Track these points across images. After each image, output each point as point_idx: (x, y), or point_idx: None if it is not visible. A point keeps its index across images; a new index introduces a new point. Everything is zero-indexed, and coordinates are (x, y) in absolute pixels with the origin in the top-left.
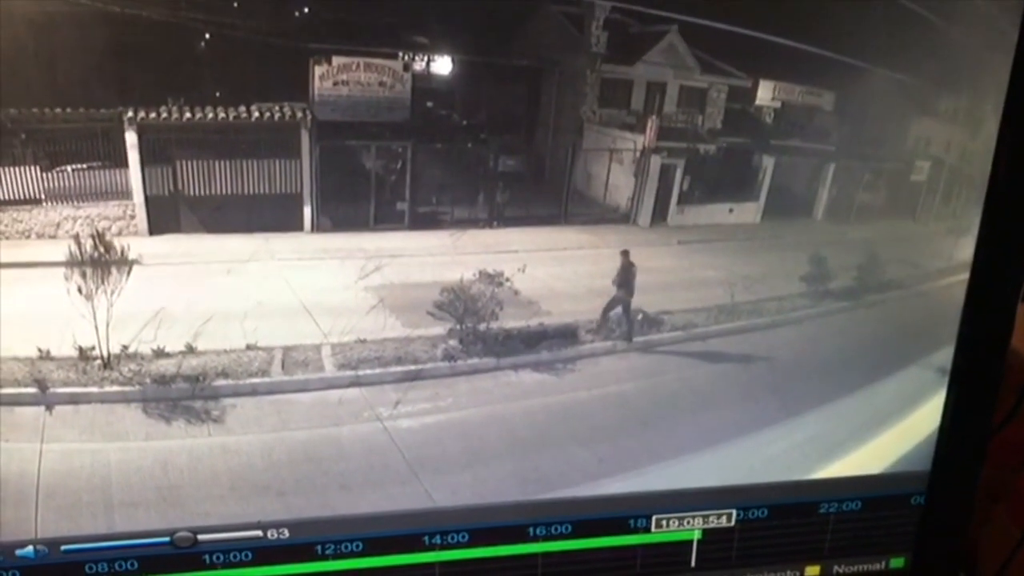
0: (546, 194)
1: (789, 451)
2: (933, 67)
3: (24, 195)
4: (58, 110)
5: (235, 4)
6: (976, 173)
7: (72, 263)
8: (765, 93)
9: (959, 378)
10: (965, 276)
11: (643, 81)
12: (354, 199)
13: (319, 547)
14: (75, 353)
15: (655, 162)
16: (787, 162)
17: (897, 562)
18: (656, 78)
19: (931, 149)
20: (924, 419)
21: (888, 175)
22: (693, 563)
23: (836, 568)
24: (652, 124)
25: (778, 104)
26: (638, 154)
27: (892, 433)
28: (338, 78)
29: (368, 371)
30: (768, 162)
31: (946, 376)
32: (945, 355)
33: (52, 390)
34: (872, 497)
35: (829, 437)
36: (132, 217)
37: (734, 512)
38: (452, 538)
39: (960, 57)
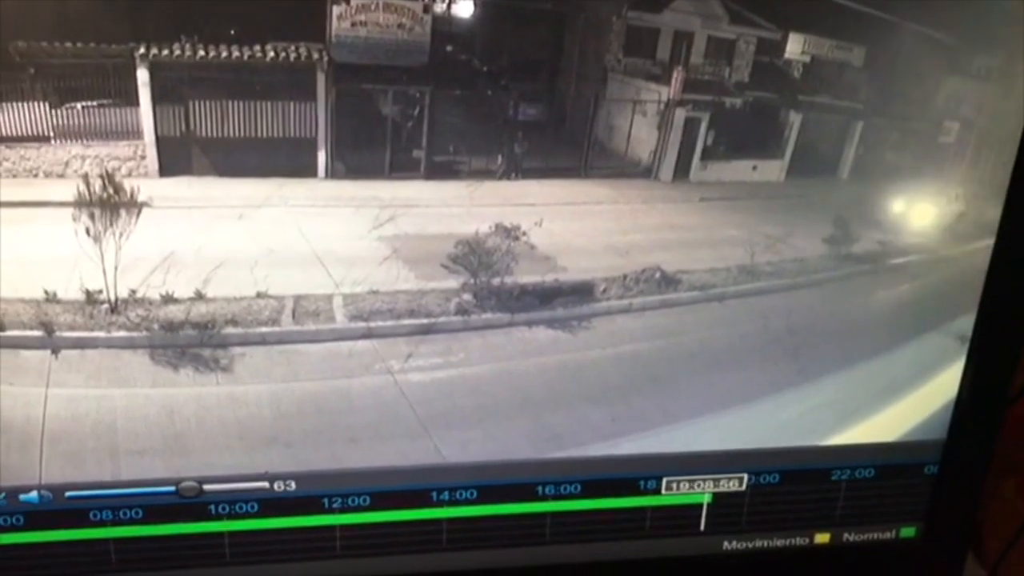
0: (566, 145)
1: (803, 416)
2: (967, 24)
3: (32, 132)
4: (68, 44)
5: None
6: (1007, 136)
7: (80, 203)
8: (795, 46)
9: (978, 347)
10: (989, 242)
11: (670, 30)
12: (370, 145)
13: (326, 500)
14: (82, 296)
15: (679, 115)
16: (814, 119)
17: (908, 531)
18: (683, 27)
19: (961, 110)
20: (941, 388)
21: (916, 135)
22: (702, 526)
23: (846, 536)
24: (678, 75)
25: (807, 58)
26: (662, 106)
27: (908, 401)
28: (356, 18)
29: (380, 323)
30: (795, 118)
31: (965, 344)
32: (965, 323)
33: (58, 334)
34: (885, 465)
35: (844, 403)
36: (142, 158)
37: (745, 476)
38: (460, 494)
39: (995, 15)
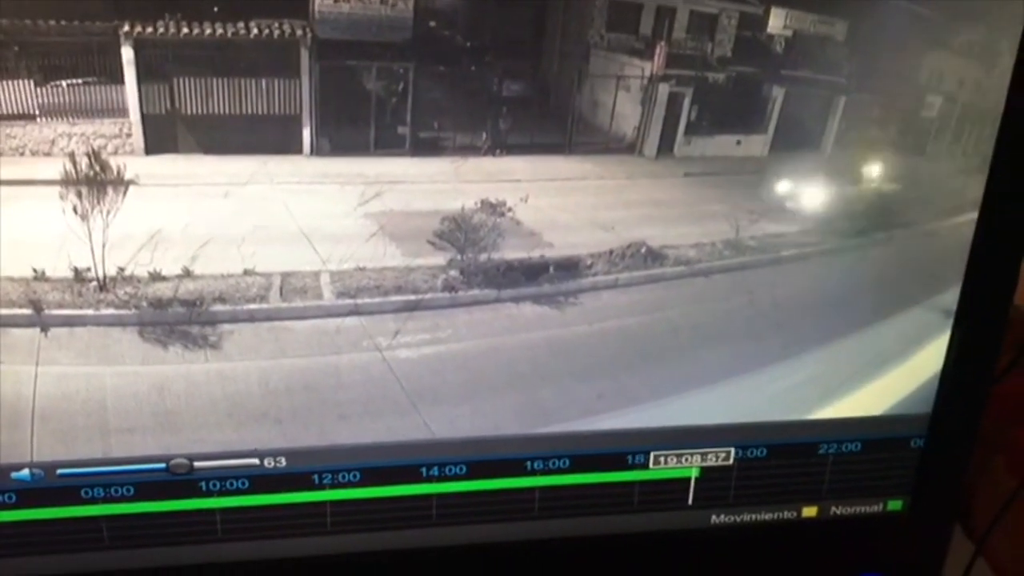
0: (551, 121)
1: (790, 390)
2: None
3: (17, 110)
4: (52, 22)
5: None
6: (989, 111)
7: (67, 182)
8: (777, 21)
9: (963, 319)
10: (973, 216)
11: (652, 5)
12: (354, 122)
13: (316, 476)
14: (71, 274)
15: (663, 90)
16: (797, 93)
17: (895, 505)
18: (666, 2)
19: (944, 85)
20: (927, 361)
21: (899, 110)
22: (690, 501)
23: (834, 509)
24: (661, 50)
25: (790, 33)
26: (646, 81)
27: (894, 375)
28: None
29: (367, 300)
30: (778, 93)
31: (950, 318)
32: (951, 296)
33: (47, 312)
34: (872, 439)
35: (831, 377)
36: (128, 136)
37: (733, 451)
38: (450, 470)
39: None
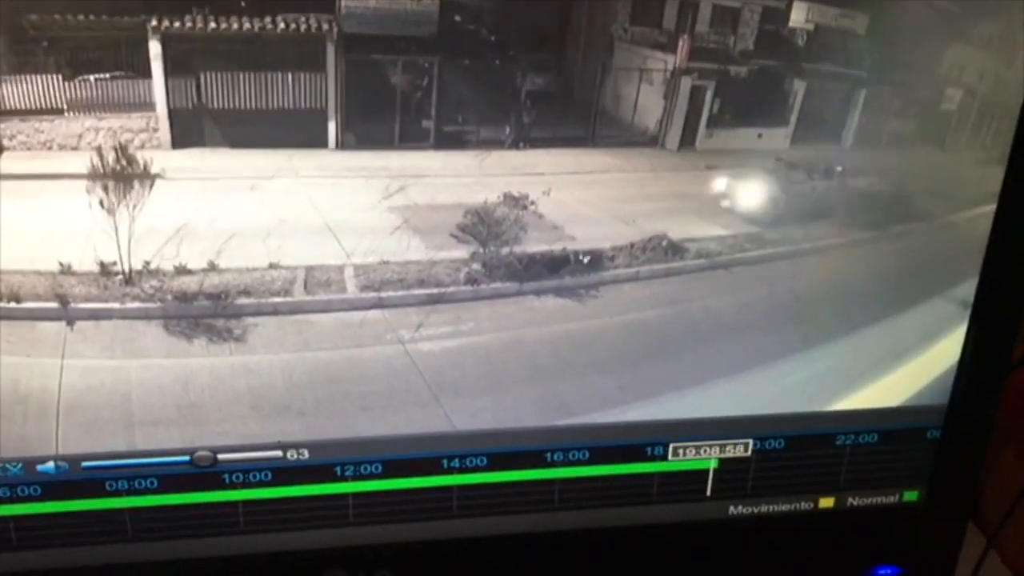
0: (574, 115)
1: (808, 382)
2: None
3: (46, 105)
4: (81, 17)
5: None
6: (1008, 103)
7: (94, 176)
8: (799, 15)
9: (981, 311)
10: (992, 208)
11: None
12: (379, 116)
13: (338, 468)
14: (96, 268)
15: (685, 83)
16: (818, 87)
17: (911, 495)
18: None
19: (964, 77)
20: (944, 352)
21: (919, 103)
22: (708, 492)
23: (850, 500)
24: (684, 43)
25: (811, 26)
26: (668, 75)
27: (912, 366)
28: None
29: (391, 293)
30: (799, 86)
31: (968, 309)
32: (968, 288)
33: (73, 305)
34: (889, 430)
35: (849, 368)
36: (155, 130)
37: (751, 442)
38: (470, 462)
39: None
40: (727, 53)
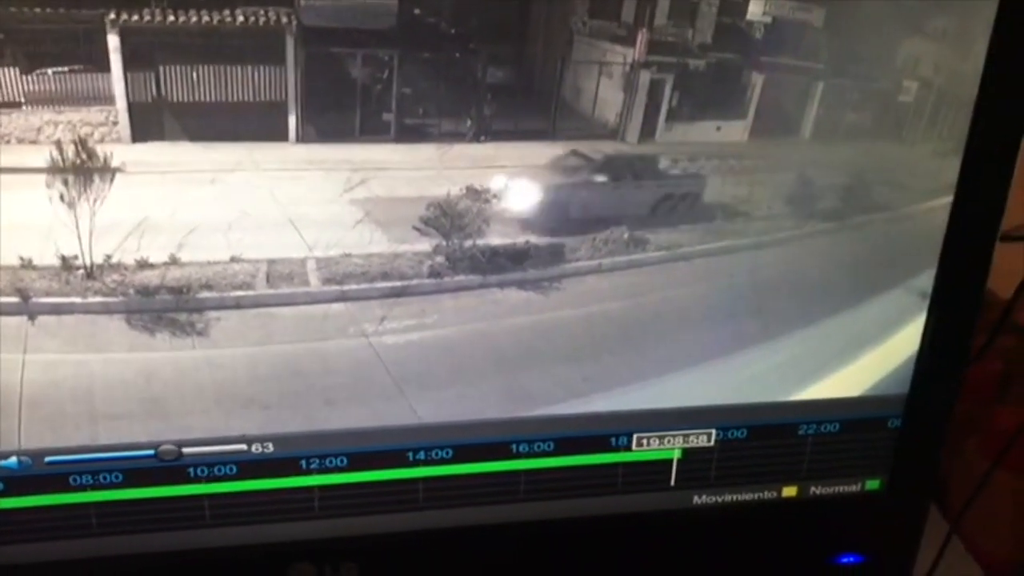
0: (535, 108)
1: (770, 372)
2: None
3: (3, 98)
4: (38, 9)
5: None
6: (964, 95)
7: (54, 170)
8: (756, 8)
9: (939, 302)
10: (949, 199)
11: None
12: (339, 109)
13: (303, 461)
14: (58, 262)
15: (644, 77)
16: (776, 79)
17: (873, 484)
18: None
19: (920, 69)
20: (904, 342)
21: (876, 95)
22: (673, 482)
23: (813, 489)
24: (642, 37)
25: (769, 19)
26: (627, 68)
27: (872, 356)
28: None
29: (354, 286)
30: (757, 79)
31: (927, 300)
32: (928, 279)
33: (34, 300)
34: (850, 419)
35: (810, 358)
36: (115, 123)
37: (714, 432)
38: (436, 454)
39: None
40: (686, 46)
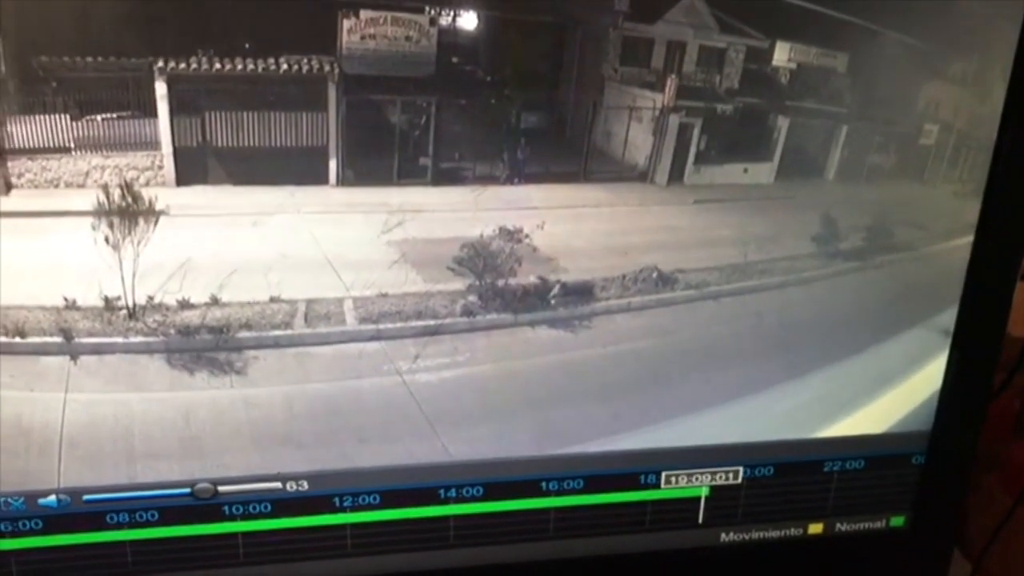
0: (566, 151)
1: (796, 409)
2: (944, 31)
3: (54, 144)
4: (89, 59)
5: None
6: (983, 137)
7: (100, 213)
8: (781, 54)
9: (961, 339)
10: (970, 239)
11: (664, 40)
12: (378, 153)
13: (337, 499)
14: (101, 303)
15: (673, 121)
16: (801, 123)
17: (897, 521)
18: (676, 37)
19: (940, 113)
20: (927, 380)
21: (898, 138)
22: (700, 519)
23: (839, 526)
24: (671, 83)
25: (794, 65)
26: (657, 113)
27: (896, 393)
28: (365, 32)
29: (389, 325)
30: (783, 123)
31: (949, 338)
32: (949, 317)
33: (77, 340)
34: (875, 456)
35: (836, 396)
36: (160, 168)
37: (741, 469)
38: (467, 492)
39: (971, 22)
40: (713, 92)
